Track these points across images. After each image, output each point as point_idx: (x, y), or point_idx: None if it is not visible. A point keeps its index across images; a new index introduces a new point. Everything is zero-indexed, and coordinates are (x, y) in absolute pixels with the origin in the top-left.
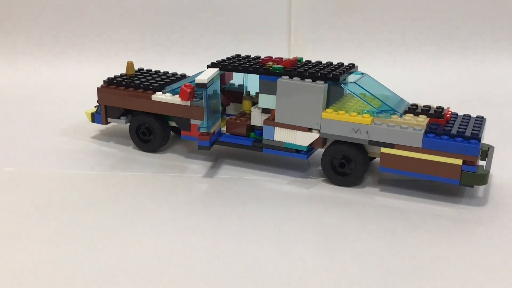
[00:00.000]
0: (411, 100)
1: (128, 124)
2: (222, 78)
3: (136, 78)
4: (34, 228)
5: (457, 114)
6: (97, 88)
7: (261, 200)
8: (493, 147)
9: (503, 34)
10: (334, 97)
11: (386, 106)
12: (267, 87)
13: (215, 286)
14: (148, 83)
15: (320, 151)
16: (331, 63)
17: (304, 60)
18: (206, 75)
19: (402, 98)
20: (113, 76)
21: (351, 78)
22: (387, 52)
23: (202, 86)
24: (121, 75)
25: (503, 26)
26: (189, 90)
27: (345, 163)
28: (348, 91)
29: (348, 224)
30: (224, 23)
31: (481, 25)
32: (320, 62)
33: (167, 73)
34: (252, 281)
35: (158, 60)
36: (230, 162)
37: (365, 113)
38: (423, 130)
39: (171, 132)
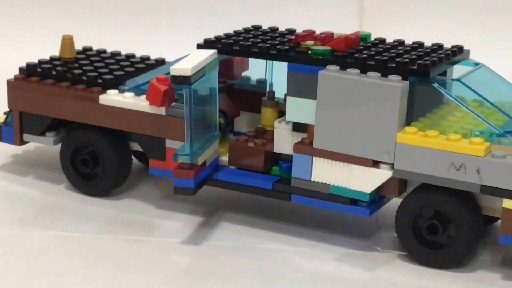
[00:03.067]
0: None
1: (59, 146)
2: (229, 67)
3: (76, 65)
4: None
5: None
6: (8, 81)
7: None
8: None
9: None
10: (421, 106)
11: None
12: (302, 86)
13: None
14: (96, 74)
15: (394, 202)
16: (419, 45)
17: (372, 39)
18: (192, 61)
19: None
20: (36, 61)
21: (456, 71)
22: None
23: (183, 80)
24: (51, 60)
25: None
26: (163, 88)
27: (439, 227)
28: (447, 96)
29: None
30: None
31: None
32: (401, 43)
33: (132, 56)
34: None
35: (121, 34)
36: (232, 219)
37: (476, 135)
38: None
39: (132, 161)
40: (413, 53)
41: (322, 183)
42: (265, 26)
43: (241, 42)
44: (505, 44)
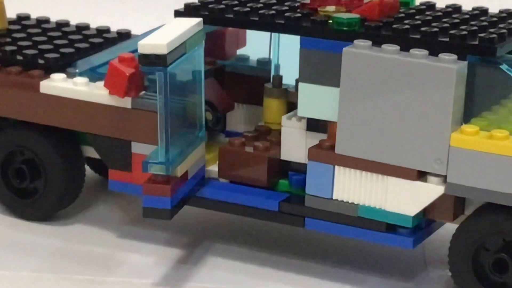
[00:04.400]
0: None
1: None
2: (220, 43)
3: (8, 40)
4: None
5: None
6: None
7: None
8: None
9: None
10: (484, 96)
11: None
12: (319, 69)
13: None
14: (35, 52)
15: (447, 229)
16: (482, 11)
17: (416, 3)
18: (167, 34)
19: None
20: None
21: None
22: None
23: (156, 60)
24: None
25: None
26: (129, 72)
27: (509, 262)
28: None
29: None
30: None
31: None
32: (457, 9)
33: (86, 28)
34: None
35: None
36: (224, 252)
37: None
38: None
39: (85, 172)
40: (473, 23)
41: (347, 202)
42: None
43: (236, 8)
44: None
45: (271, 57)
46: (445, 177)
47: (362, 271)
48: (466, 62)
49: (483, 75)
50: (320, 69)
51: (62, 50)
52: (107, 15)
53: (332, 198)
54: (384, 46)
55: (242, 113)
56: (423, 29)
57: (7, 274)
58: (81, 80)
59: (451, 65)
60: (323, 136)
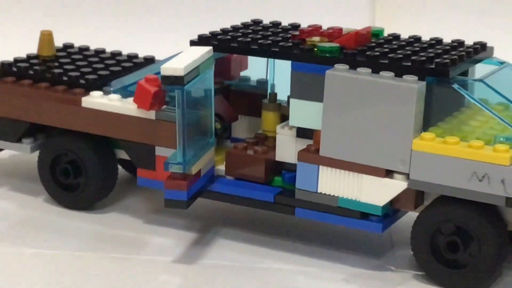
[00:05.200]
0: None
1: (37, 154)
2: (226, 66)
3: (56, 64)
4: None
5: None
6: None
7: None
8: None
9: None
10: (439, 110)
11: None
12: (307, 87)
13: None
14: (78, 74)
15: (410, 217)
16: (438, 41)
17: (385, 35)
18: (184, 59)
19: None
20: (11, 60)
21: (478, 71)
22: None
23: (175, 81)
24: (29, 58)
25: None
26: (153, 90)
27: (460, 244)
28: (469, 98)
29: None
30: None
31: None
32: (417, 39)
33: (118, 54)
34: None
35: (106, 30)
36: (230, 235)
37: (501, 142)
38: None
39: (118, 170)
40: (430, 50)
41: (329, 195)
42: (266, 21)
43: (239, 39)
44: None
45: (268, 78)
46: (408, 174)
47: (341, 250)
48: (425, 82)
49: (439, 92)
50: (307, 87)
51: (99, 72)
52: (136, 44)
53: (317, 192)
54: (359, 69)
55: (245, 123)
56: (390, 55)
57: (55, 253)
58: (114, 97)
59: (412, 85)
60: (310, 142)
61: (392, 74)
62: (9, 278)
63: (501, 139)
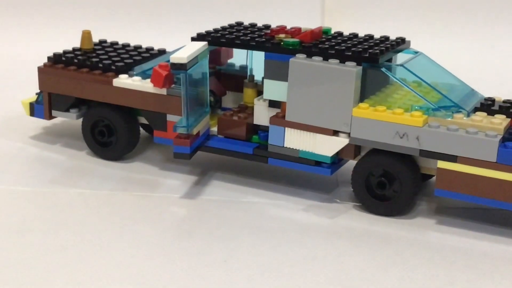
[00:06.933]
0: (486, 91)
1: (81, 120)
2: (217, 56)
3: (94, 55)
4: None
5: None
6: (38, 68)
7: (262, 233)
8: None
9: None
10: (371, 87)
11: (448, 100)
12: (276, 70)
13: None
14: (110, 62)
15: (350, 164)
16: (370, 37)
17: (332, 32)
18: (187, 51)
19: (472, 90)
20: (61, 51)
21: (399, 58)
22: (454, 23)
23: (180, 67)
24: (74, 50)
25: None
26: (164, 73)
27: (386, 183)
28: (393, 78)
29: (385, 272)
30: None
31: None
32: (355, 36)
33: (139, 47)
34: None
35: (130, 29)
36: (221, 178)
37: (416, 109)
38: (500, 137)
39: (140, 132)
40: (365, 43)
41: (292, 148)
42: (246, 23)
43: (227, 36)
44: (439, 35)
45: (248, 64)
46: (349, 133)
47: (301, 188)
48: (361, 67)
49: (371, 74)
50: (276, 71)
51: (125, 60)
52: (152, 40)
53: (284, 146)
54: (313, 57)
55: (231, 97)
56: (336, 47)
57: (93, 192)
58: (137, 78)
59: (352, 69)
60: (278, 110)
61: (337, 61)
62: (60, 211)
63: (416, 107)
